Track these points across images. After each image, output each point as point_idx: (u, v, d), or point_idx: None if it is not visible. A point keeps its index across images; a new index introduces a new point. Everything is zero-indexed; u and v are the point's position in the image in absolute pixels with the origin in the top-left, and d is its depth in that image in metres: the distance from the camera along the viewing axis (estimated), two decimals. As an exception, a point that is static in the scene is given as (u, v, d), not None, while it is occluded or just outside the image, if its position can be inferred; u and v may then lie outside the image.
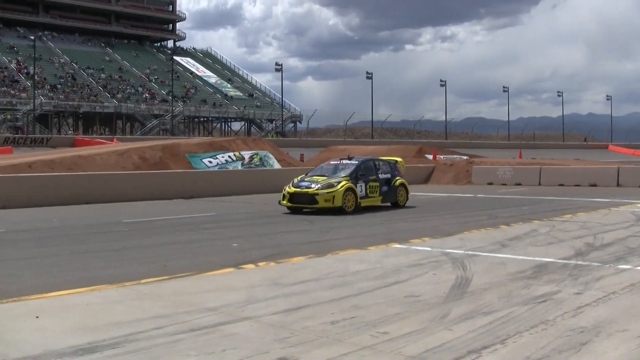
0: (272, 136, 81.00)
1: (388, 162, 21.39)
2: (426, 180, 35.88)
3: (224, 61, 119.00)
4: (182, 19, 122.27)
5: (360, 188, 19.32)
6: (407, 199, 20.95)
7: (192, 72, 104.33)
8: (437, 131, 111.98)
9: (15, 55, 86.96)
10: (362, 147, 50.02)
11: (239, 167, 33.42)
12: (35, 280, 9.18)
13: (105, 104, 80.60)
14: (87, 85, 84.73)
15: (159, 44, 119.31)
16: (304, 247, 12.27)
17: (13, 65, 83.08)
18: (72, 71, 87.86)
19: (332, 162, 21.13)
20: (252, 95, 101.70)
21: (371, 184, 19.79)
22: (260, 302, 7.43)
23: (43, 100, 73.34)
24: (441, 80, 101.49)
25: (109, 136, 67.50)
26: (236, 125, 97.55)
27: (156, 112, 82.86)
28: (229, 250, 12.03)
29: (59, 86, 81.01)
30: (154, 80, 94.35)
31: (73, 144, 57.07)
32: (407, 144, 57.31)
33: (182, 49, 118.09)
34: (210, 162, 33.10)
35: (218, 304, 7.26)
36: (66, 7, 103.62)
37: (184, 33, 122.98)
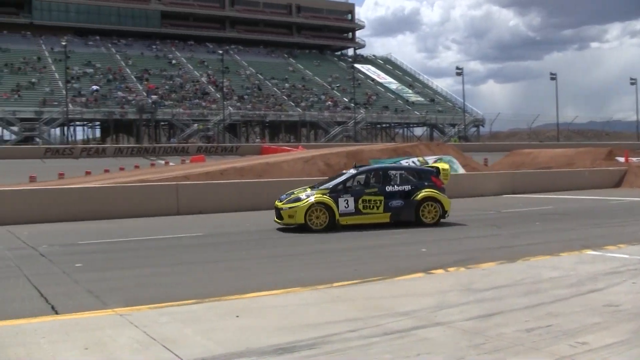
0: (455, 141, 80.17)
1: (419, 171, 17.90)
2: (618, 184, 33.98)
3: (404, 67, 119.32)
4: (361, 27, 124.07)
5: (345, 203, 16.29)
6: (441, 217, 16.89)
7: (373, 79, 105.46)
8: (628, 132, 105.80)
9: (206, 69, 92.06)
10: (547, 151, 48.17)
11: (422, 172, 33.18)
12: (235, 281, 9.70)
13: (290, 112, 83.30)
14: (272, 95, 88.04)
15: (339, 53, 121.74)
16: (493, 252, 12.04)
17: (204, 79, 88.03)
18: (258, 82, 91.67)
19: (344, 171, 18.51)
20: (433, 100, 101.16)
21: (366, 197, 16.49)
22: (453, 307, 7.38)
23: (232, 111, 77.02)
24: (631, 79, 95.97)
25: (294, 143, 69.71)
26: (418, 131, 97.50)
27: (339, 119, 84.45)
28: (418, 255, 12.07)
29: (245, 97, 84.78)
30: (335, 89, 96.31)
31: (260, 151, 59.53)
32: (596, 146, 54.58)
33: (363, 56, 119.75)
34: (393, 167, 33.16)
35: (410, 309, 7.31)
36: (251, 21, 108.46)
37: (363, 41, 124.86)
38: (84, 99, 72.76)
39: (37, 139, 64.55)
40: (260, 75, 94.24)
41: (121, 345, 6.15)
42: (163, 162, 50.77)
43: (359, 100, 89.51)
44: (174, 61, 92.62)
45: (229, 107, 77.03)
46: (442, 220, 16.93)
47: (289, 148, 56.85)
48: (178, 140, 71.35)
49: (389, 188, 16.70)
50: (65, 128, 71.43)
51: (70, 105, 67.79)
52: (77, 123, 75.72)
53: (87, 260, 12.06)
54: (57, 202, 20.29)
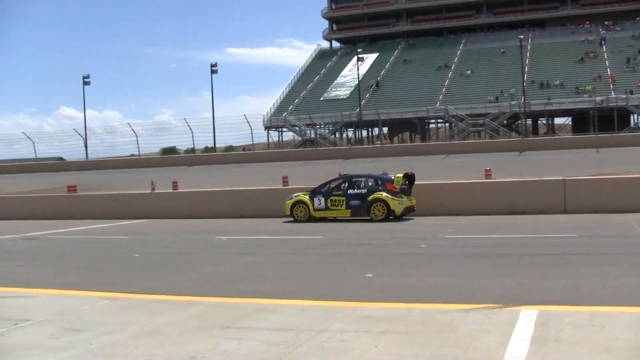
0: None
1: (376, 178, 21.15)
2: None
3: None
4: None
5: (319, 201, 20.82)
6: (390, 214, 19.86)
7: None
8: None
9: None
10: None
11: None
12: None
13: None
14: None
15: None
16: None
17: None
18: None
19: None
20: None
21: (333, 197, 20.72)
22: None
23: None
24: None
25: None
26: None
27: None
28: None
29: None
30: None
31: None
32: None
33: None
34: None
35: None
36: None
37: None
38: None
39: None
40: None
41: None
42: None
43: None
44: None
45: None
46: (390, 217, 19.69)
47: None
48: None
49: (350, 191, 20.71)
50: None
51: None
52: None
53: None
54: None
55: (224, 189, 26.04)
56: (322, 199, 20.82)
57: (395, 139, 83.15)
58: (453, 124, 72.16)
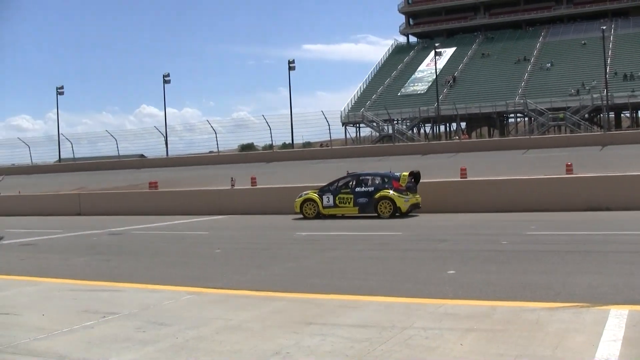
0: None
1: (383, 176, 21.70)
2: None
3: None
4: None
5: (327, 199, 21.65)
6: (396, 211, 20.69)
7: None
8: None
9: None
10: None
11: None
12: None
13: None
14: None
15: None
16: None
17: None
18: None
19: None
20: None
21: (342, 195, 21.58)
22: None
23: None
24: None
25: None
26: None
27: None
28: None
29: None
30: None
31: None
32: None
33: None
34: None
35: None
36: None
37: None
38: None
39: None
40: None
41: None
42: None
43: None
44: None
45: None
46: (397, 214, 20.67)
47: None
48: None
49: (357, 189, 21.50)
50: None
51: None
52: None
53: None
54: None
55: (302, 185, 26.20)
56: (331, 197, 21.79)
57: (474, 134, 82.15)
58: (532, 118, 70.83)
